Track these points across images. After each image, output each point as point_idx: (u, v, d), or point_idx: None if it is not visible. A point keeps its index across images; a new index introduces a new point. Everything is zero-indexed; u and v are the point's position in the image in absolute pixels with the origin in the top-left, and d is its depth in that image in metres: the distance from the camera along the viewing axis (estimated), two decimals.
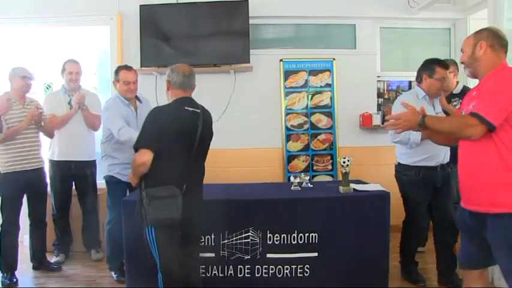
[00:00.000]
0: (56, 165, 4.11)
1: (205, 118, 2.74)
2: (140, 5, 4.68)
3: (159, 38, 4.72)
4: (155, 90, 4.79)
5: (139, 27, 4.69)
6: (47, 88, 4.40)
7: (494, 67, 2.30)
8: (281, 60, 4.93)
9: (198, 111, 2.69)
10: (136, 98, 3.86)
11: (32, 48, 4.96)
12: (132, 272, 3.22)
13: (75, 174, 4.13)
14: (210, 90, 4.89)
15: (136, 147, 2.52)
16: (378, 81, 5.19)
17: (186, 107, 2.65)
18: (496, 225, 2.14)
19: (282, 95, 4.94)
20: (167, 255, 2.58)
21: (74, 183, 4.19)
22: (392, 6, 4.95)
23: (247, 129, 4.87)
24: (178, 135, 2.56)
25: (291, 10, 4.87)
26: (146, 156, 2.46)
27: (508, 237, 2.10)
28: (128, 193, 3.66)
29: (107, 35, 4.88)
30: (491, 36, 2.32)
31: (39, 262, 3.95)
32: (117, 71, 3.72)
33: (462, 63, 2.45)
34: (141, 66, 4.68)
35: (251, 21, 4.70)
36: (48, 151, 4.17)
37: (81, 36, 5.06)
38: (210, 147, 4.73)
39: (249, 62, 4.71)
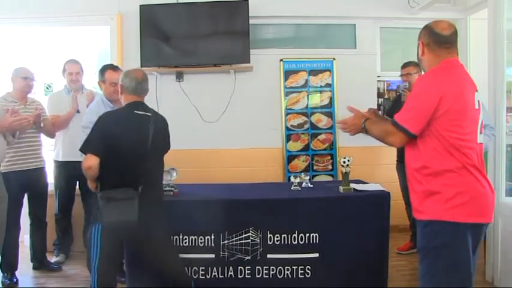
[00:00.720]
0: (60, 165, 4.11)
1: (157, 121, 2.79)
2: (140, 5, 4.68)
3: (159, 38, 4.72)
4: (155, 90, 4.79)
5: (140, 27, 4.68)
6: (47, 88, 4.40)
7: (433, 66, 2.16)
8: (281, 60, 4.93)
9: (149, 114, 2.75)
10: None
11: (32, 48, 4.96)
12: (132, 272, 3.22)
13: (79, 175, 4.09)
14: (210, 90, 4.90)
15: (83, 152, 2.61)
16: (378, 81, 5.19)
17: (136, 111, 2.71)
18: (418, 231, 2.14)
19: (282, 94, 4.94)
20: (106, 256, 2.69)
21: (78, 183, 4.17)
22: (393, 6, 4.95)
23: (247, 129, 4.87)
24: (129, 139, 2.63)
25: (291, 10, 4.86)
26: (91, 161, 2.54)
27: (422, 244, 2.11)
28: None
29: (107, 35, 4.87)
30: (427, 34, 2.19)
31: (39, 262, 3.95)
32: (102, 71, 3.48)
33: None
34: (141, 66, 4.67)
35: (251, 21, 4.69)
36: (53, 152, 4.17)
37: (81, 36, 5.06)
38: (211, 147, 4.76)
39: (249, 62, 4.71)
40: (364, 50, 5.03)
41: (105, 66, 3.55)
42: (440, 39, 2.14)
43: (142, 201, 2.55)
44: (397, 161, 4.29)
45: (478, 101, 2.11)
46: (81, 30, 5.03)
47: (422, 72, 2.33)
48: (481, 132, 2.11)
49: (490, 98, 3.50)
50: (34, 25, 4.87)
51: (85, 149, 2.59)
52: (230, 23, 4.72)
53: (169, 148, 3.02)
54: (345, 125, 2.45)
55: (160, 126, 2.83)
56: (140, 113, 2.71)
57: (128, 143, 2.62)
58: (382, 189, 3.41)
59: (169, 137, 2.99)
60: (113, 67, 3.53)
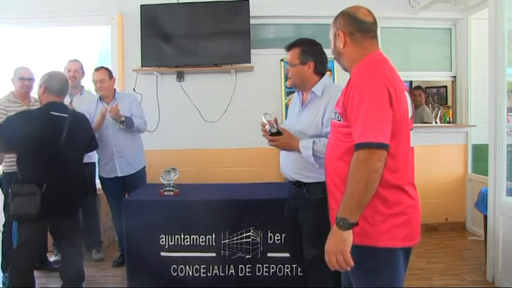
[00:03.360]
0: None
1: (74, 122, 2.94)
2: (141, 5, 4.68)
3: (160, 37, 4.72)
4: (156, 90, 4.80)
5: (140, 27, 4.68)
6: None
7: (359, 60, 1.84)
8: (282, 60, 4.92)
9: (66, 116, 2.91)
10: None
11: (33, 48, 4.97)
12: (133, 271, 3.23)
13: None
14: (211, 90, 4.90)
15: None
16: None
17: (52, 112, 2.88)
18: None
19: (283, 94, 4.94)
20: (18, 246, 2.93)
21: None
22: (393, 6, 4.93)
23: (248, 129, 4.87)
24: (39, 138, 2.81)
25: (291, 10, 4.86)
26: None
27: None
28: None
29: (108, 34, 4.88)
30: (348, 21, 1.86)
31: (40, 261, 3.94)
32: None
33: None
34: (142, 66, 4.69)
35: (252, 21, 4.70)
36: None
37: (82, 36, 5.06)
38: (211, 147, 4.76)
39: (249, 62, 4.71)
40: None
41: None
42: (364, 27, 1.86)
43: (50, 196, 2.76)
44: None
45: (408, 100, 1.83)
46: (82, 30, 5.04)
47: (335, 68, 2.11)
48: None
49: (490, 97, 3.50)
50: (35, 25, 4.87)
51: None
52: (231, 23, 4.72)
53: (93, 144, 3.31)
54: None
55: (76, 128, 2.95)
56: (56, 114, 2.88)
57: (38, 142, 2.81)
58: None
59: (92, 134, 3.27)
60: (96, 68, 3.98)
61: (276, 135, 2.53)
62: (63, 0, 4.73)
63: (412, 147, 1.87)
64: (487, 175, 3.65)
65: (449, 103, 5.39)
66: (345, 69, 1.96)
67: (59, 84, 2.94)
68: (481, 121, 4.59)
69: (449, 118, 5.29)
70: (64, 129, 2.86)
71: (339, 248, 1.67)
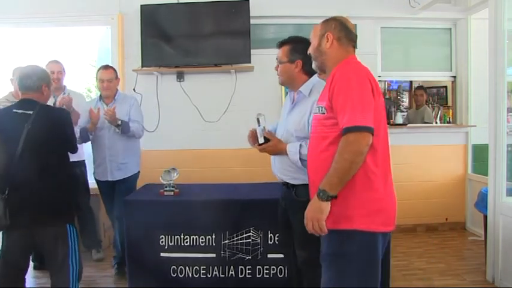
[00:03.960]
0: None
1: (42, 120, 2.64)
2: (141, 5, 4.68)
3: (160, 37, 4.71)
4: (156, 90, 4.80)
5: (140, 27, 4.68)
6: None
7: (341, 61, 2.03)
8: None
9: (30, 113, 2.62)
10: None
11: (33, 48, 4.96)
12: (133, 272, 3.23)
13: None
14: (211, 90, 4.89)
15: None
16: (379, 81, 5.18)
17: (15, 110, 2.63)
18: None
19: (283, 94, 4.93)
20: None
21: None
22: (393, 6, 4.94)
23: (248, 129, 4.86)
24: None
25: (291, 10, 4.86)
26: None
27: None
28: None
29: (108, 34, 4.88)
30: (339, 28, 2.07)
31: (40, 262, 3.94)
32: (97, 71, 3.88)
33: (309, 54, 2.20)
34: (142, 66, 4.69)
35: (252, 21, 4.69)
36: None
37: (82, 36, 5.06)
38: (211, 147, 4.75)
39: (250, 62, 4.71)
40: (365, 50, 4.99)
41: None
42: (351, 36, 2.09)
43: (16, 202, 2.53)
44: None
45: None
46: (82, 30, 5.03)
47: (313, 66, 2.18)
48: None
49: (490, 97, 3.50)
50: (35, 25, 4.86)
51: None
52: (231, 23, 4.72)
53: (69, 145, 2.87)
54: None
55: (42, 125, 2.64)
56: (19, 111, 2.62)
57: None
58: None
59: (66, 133, 2.80)
60: (103, 66, 3.87)
61: (265, 143, 2.57)
62: (63, 0, 4.73)
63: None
64: (487, 175, 3.65)
65: (450, 103, 5.40)
66: (319, 68, 2.15)
67: (18, 80, 2.72)
68: (481, 121, 4.59)
69: (450, 118, 5.29)
70: (26, 126, 2.57)
71: (316, 215, 1.87)
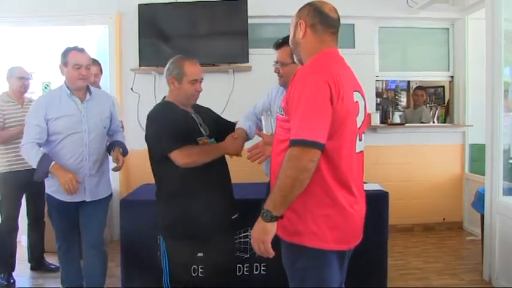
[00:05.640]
0: None
1: None
2: (139, 5, 4.68)
3: (157, 37, 4.72)
4: (154, 89, 4.79)
5: (138, 27, 4.68)
6: (45, 88, 4.37)
7: (315, 53, 1.80)
8: None
9: None
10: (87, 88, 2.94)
11: (30, 47, 4.95)
12: (129, 271, 3.23)
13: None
14: (209, 89, 4.80)
15: None
16: (377, 80, 5.21)
17: None
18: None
19: None
20: None
21: None
22: (391, 5, 4.95)
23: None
24: None
25: (289, 10, 4.76)
26: None
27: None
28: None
29: (106, 34, 4.87)
30: (312, 13, 1.84)
31: (37, 262, 3.94)
32: (65, 53, 2.83)
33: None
34: (140, 66, 4.68)
35: (250, 21, 4.70)
36: None
37: (80, 36, 5.05)
38: None
39: (247, 62, 4.71)
40: (363, 50, 5.03)
41: (68, 48, 2.86)
42: (328, 22, 1.82)
43: None
44: None
45: (358, 102, 1.78)
46: (80, 29, 5.02)
47: (294, 59, 1.99)
48: (360, 139, 1.83)
49: (487, 97, 3.52)
50: (32, 25, 4.85)
51: None
52: (229, 23, 4.72)
53: None
54: (257, 149, 2.39)
55: None
56: None
57: None
58: (381, 188, 3.41)
59: None
60: (77, 48, 2.87)
61: None
62: (60, 0, 4.72)
63: (361, 152, 1.86)
64: (484, 175, 3.66)
65: (447, 103, 5.41)
66: (300, 62, 1.93)
67: None
68: (478, 121, 4.60)
69: (447, 118, 5.31)
70: None
71: (260, 237, 1.69)
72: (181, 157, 2.34)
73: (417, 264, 3.96)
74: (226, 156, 2.62)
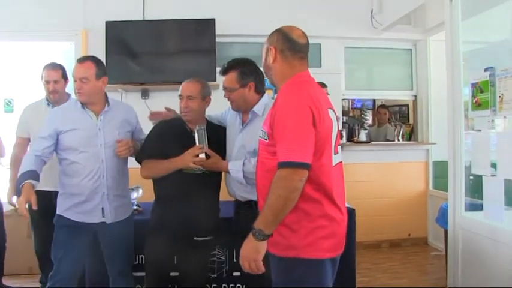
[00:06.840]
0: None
1: None
2: (106, 21, 4.64)
3: (125, 54, 4.68)
4: None
5: (105, 44, 4.63)
6: (7, 104, 4.26)
7: (288, 78, 1.93)
8: None
9: None
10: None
11: None
12: None
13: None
14: (176, 107, 4.80)
15: None
16: (343, 99, 5.30)
17: None
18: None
19: None
20: None
21: None
22: (357, 26, 5.08)
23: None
24: None
25: (257, 29, 4.89)
26: None
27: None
28: None
29: (72, 50, 4.79)
30: (281, 39, 1.95)
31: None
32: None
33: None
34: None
35: (218, 40, 4.73)
36: None
37: (45, 52, 4.96)
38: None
39: (215, 80, 4.70)
40: (329, 69, 5.12)
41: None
42: (295, 47, 1.95)
43: None
44: None
45: (331, 119, 1.92)
46: (45, 45, 4.94)
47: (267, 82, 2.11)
48: (336, 153, 1.94)
49: (449, 116, 3.61)
50: None
51: None
52: (197, 41, 4.74)
53: None
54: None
55: None
56: None
57: None
58: (348, 206, 3.43)
59: None
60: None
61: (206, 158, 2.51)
62: (26, 15, 4.63)
63: (340, 162, 1.98)
64: (447, 191, 3.74)
65: (411, 121, 5.55)
66: (273, 84, 2.05)
67: None
68: (441, 139, 4.73)
69: (412, 136, 5.43)
70: None
71: (252, 256, 1.77)
72: (142, 169, 2.63)
73: (384, 280, 4.00)
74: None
